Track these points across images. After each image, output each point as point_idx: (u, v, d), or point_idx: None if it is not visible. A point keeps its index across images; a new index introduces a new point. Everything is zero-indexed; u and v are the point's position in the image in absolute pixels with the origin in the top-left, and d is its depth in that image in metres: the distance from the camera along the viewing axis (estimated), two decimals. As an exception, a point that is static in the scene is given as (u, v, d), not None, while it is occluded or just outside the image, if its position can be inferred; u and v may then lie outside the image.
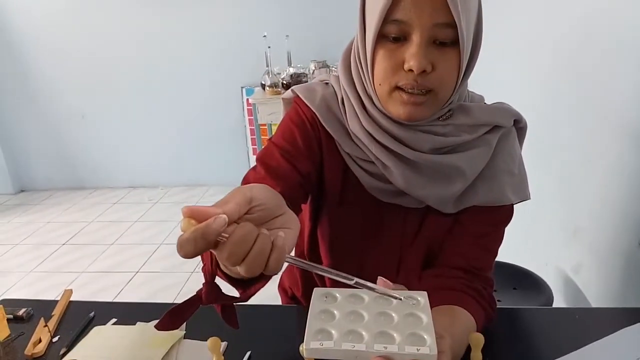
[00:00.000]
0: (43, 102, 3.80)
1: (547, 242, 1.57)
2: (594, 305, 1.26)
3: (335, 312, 0.51)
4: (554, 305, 1.26)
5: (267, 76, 3.15)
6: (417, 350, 0.46)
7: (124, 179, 4.01)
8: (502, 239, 0.83)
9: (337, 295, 0.54)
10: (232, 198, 0.47)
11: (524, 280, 1.35)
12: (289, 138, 0.78)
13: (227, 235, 0.43)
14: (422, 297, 0.54)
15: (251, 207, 0.47)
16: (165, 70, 3.68)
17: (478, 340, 0.62)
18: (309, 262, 0.50)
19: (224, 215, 0.44)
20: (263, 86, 3.21)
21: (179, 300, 0.61)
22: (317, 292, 0.54)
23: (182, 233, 0.44)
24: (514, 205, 0.80)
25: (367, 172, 0.77)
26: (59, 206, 3.72)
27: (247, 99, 3.60)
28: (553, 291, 1.28)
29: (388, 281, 0.55)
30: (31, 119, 3.85)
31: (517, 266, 1.39)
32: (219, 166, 3.83)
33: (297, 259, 0.48)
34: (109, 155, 3.95)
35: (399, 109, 0.68)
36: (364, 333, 0.48)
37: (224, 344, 0.77)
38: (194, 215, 0.44)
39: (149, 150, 3.91)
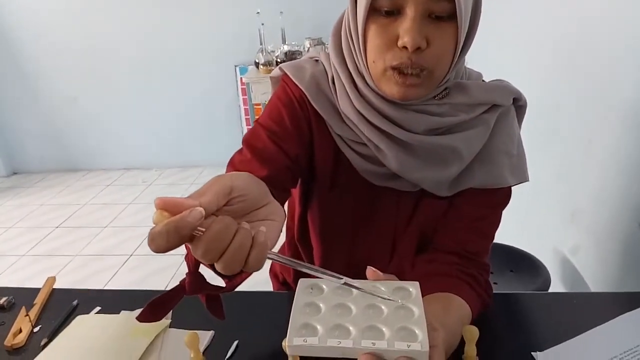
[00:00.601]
0: (36, 84, 3.73)
1: (545, 224, 1.54)
2: (591, 287, 1.24)
3: (321, 305, 0.48)
4: (552, 287, 1.24)
5: (260, 54, 3.08)
6: (408, 346, 0.43)
7: (118, 161, 3.96)
8: (499, 222, 0.79)
9: (324, 286, 0.51)
10: (210, 188, 0.44)
11: (521, 263, 1.33)
12: (276, 118, 0.74)
13: (203, 230, 0.40)
14: (413, 287, 0.50)
15: (231, 198, 0.44)
16: (157, 51, 3.60)
17: (472, 333, 0.59)
18: (293, 260, 0.47)
19: (200, 208, 0.41)
20: (257, 64, 3.14)
21: (174, 283, 0.58)
22: (302, 283, 0.51)
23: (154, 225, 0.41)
24: (512, 187, 0.77)
25: (359, 155, 0.73)
26: (52, 189, 3.68)
27: (241, 78, 3.53)
28: (550, 273, 1.26)
29: (378, 271, 0.52)
30: (24, 101, 3.78)
31: (514, 248, 1.37)
32: (214, 147, 3.77)
33: (280, 255, 0.45)
34: (103, 137, 3.90)
35: (392, 88, 0.65)
36: (351, 328, 0.45)
37: (210, 333, 0.75)
38: (168, 207, 0.41)
39: (142, 132, 3.85)
